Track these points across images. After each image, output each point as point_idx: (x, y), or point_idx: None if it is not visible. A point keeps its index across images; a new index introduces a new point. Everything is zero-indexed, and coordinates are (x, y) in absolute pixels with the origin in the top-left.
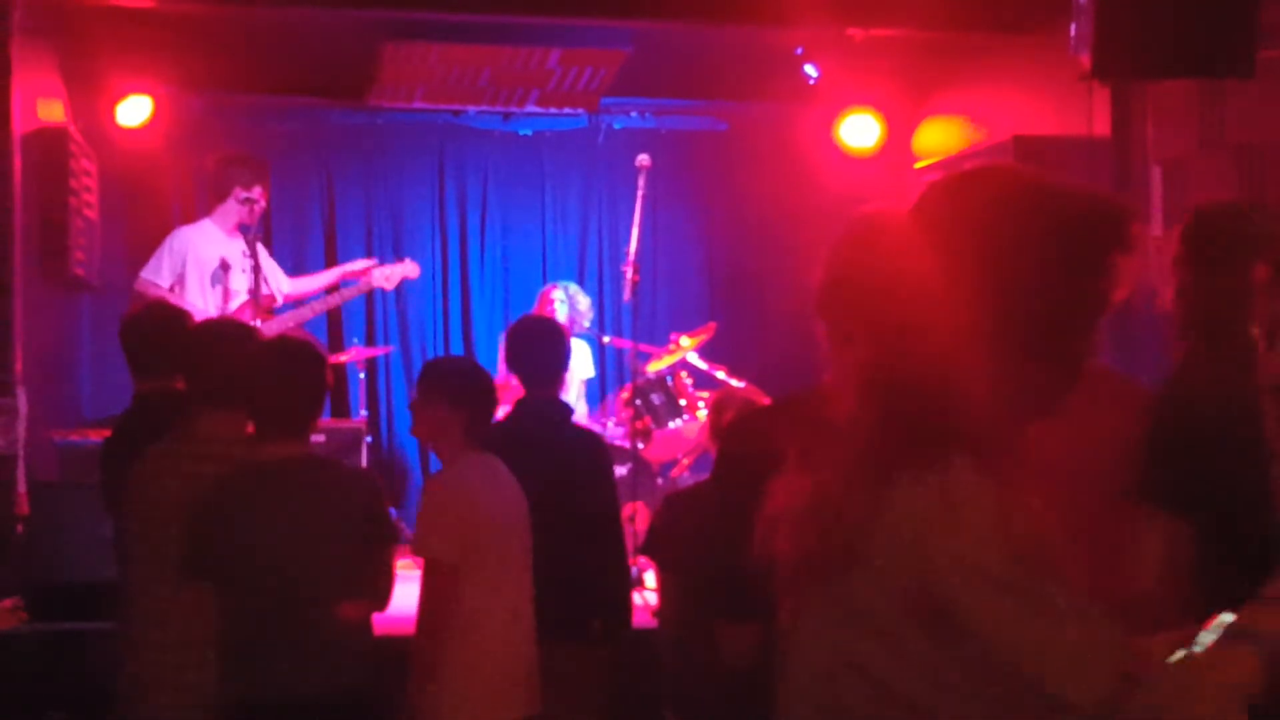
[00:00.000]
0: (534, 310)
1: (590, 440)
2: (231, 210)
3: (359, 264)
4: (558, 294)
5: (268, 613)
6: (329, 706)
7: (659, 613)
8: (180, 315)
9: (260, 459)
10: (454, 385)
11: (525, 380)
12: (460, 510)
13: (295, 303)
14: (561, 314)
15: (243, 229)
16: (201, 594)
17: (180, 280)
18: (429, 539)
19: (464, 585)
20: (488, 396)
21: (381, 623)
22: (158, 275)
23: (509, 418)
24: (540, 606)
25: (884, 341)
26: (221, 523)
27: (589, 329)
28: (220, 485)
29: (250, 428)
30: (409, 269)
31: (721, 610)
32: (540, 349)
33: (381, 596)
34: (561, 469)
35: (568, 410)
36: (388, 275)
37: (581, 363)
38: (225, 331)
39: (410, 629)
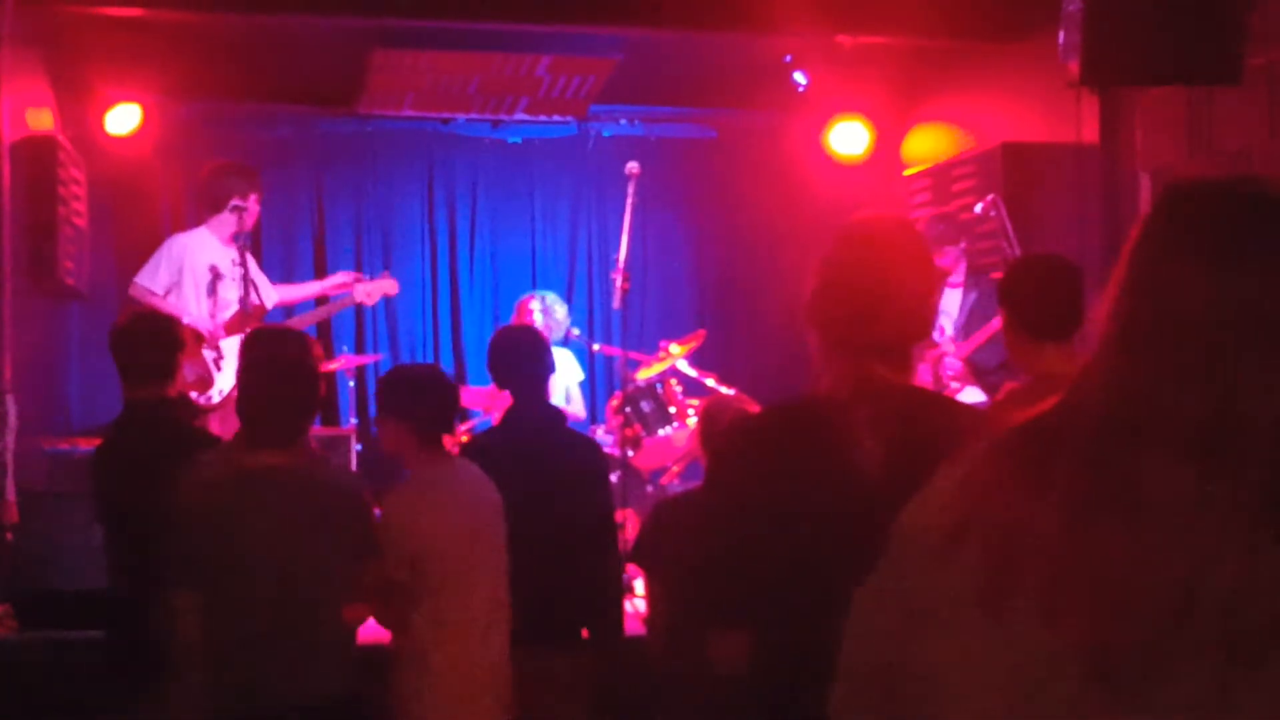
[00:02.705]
0: (513, 320)
1: (584, 444)
2: (227, 219)
3: (340, 276)
4: (534, 304)
5: (255, 620)
6: (316, 714)
7: (648, 620)
8: (170, 324)
9: (249, 466)
10: (397, 397)
11: (511, 389)
12: (410, 527)
13: (284, 314)
14: (538, 323)
15: (235, 237)
16: (191, 601)
17: (176, 288)
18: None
19: (426, 597)
20: (435, 404)
21: (367, 630)
22: (153, 282)
23: (499, 425)
24: (531, 614)
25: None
26: (209, 529)
27: (578, 336)
28: (209, 492)
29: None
30: (388, 285)
31: (712, 617)
32: (521, 357)
33: (367, 606)
34: (552, 475)
35: (559, 415)
36: (368, 291)
37: (567, 369)
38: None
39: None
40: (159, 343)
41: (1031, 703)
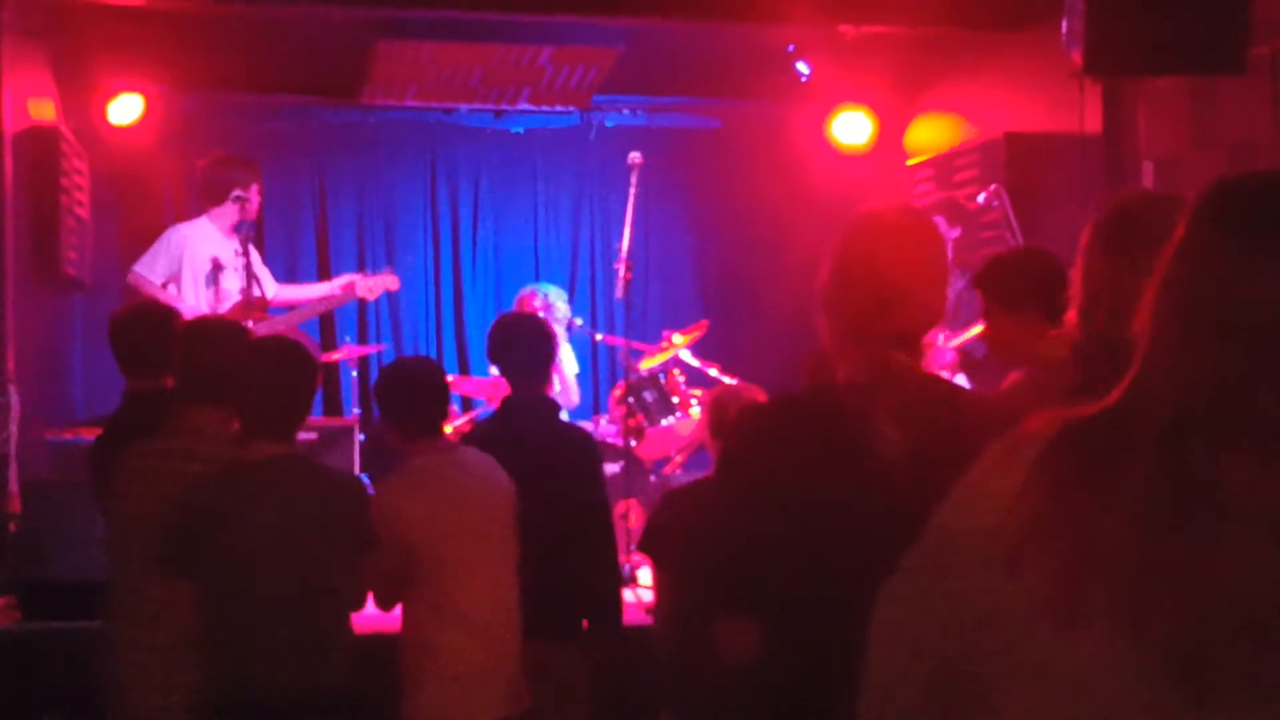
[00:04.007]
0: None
1: (578, 436)
2: (229, 211)
3: (344, 278)
4: (536, 300)
5: (248, 613)
6: (310, 708)
7: (655, 610)
8: (170, 314)
9: (245, 458)
10: (384, 394)
11: (510, 377)
12: (396, 516)
13: (286, 306)
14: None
15: (236, 229)
16: (183, 592)
17: (175, 278)
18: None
19: (424, 586)
20: (418, 401)
21: (365, 622)
22: (151, 271)
23: (494, 415)
24: (528, 605)
25: None
26: (203, 521)
27: (581, 326)
28: (203, 483)
29: (236, 426)
30: (389, 281)
31: (721, 606)
32: (523, 346)
33: (358, 598)
34: (547, 466)
35: (554, 407)
36: (370, 287)
37: (564, 361)
38: (214, 328)
39: (388, 629)
40: (158, 333)
41: (1108, 714)
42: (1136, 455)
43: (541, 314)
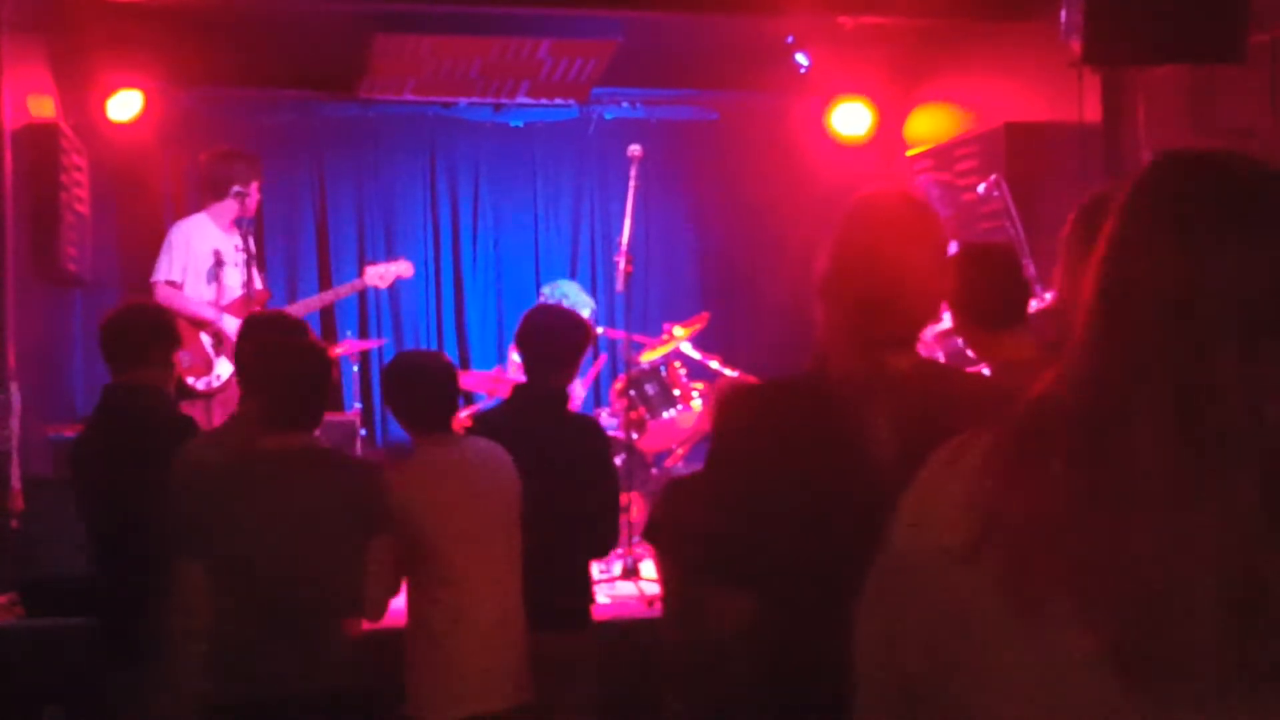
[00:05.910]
0: None
1: (585, 425)
2: (228, 206)
3: (347, 288)
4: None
5: (261, 606)
6: (318, 706)
7: (661, 600)
8: (151, 311)
9: (259, 448)
10: (390, 387)
11: (527, 368)
12: (403, 507)
13: (286, 298)
14: None
15: (237, 223)
16: (196, 576)
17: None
18: None
19: (430, 576)
20: (425, 394)
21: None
22: (171, 272)
23: (501, 405)
24: (531, 597)
25: None
26: (215, 509)
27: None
28: (217, 472)
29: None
30: (403, 268)
31: (714, 576)
32: (545, 339)
33: (371, 601)
34: (544, 457)
35: (561, 398)
36: (382, 274)
37: None
38: (270, 323)
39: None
40: (132, 327)
41: (1068, 707)
42: (1064, 440)
43: None
